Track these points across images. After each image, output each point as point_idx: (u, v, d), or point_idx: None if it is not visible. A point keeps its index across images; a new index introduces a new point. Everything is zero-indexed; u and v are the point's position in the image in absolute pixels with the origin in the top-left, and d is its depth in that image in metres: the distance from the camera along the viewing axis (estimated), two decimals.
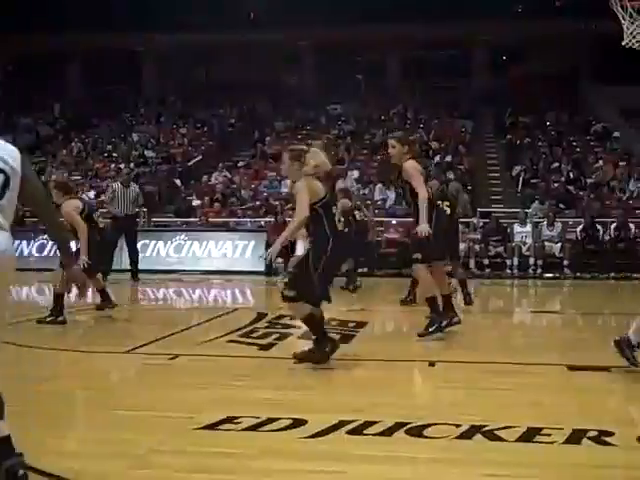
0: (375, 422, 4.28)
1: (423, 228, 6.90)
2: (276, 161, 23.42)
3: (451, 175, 18.91)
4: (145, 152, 24.35)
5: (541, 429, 4.14)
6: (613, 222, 16.78)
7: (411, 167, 7.10)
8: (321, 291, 5.87)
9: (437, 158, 21.75)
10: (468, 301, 10.24)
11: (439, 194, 9.84)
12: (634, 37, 10.78)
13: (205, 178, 22.23)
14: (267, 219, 18.27)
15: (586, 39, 28.38)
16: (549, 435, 4.05)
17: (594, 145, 23.92)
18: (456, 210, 10.26)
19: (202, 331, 8.03)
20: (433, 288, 7.30)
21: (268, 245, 16.59)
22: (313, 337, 6.01)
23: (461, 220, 16.00)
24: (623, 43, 10.85)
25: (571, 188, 19.94)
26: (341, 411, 4.54)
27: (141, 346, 6.95)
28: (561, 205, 18.94)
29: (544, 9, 28.46)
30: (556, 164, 21.74)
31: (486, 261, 16.29)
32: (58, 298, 8.41)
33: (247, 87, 29.21)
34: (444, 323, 7.25)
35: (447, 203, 9.87)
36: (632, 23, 10.81)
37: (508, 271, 16.28)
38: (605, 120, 25.20)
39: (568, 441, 3.98)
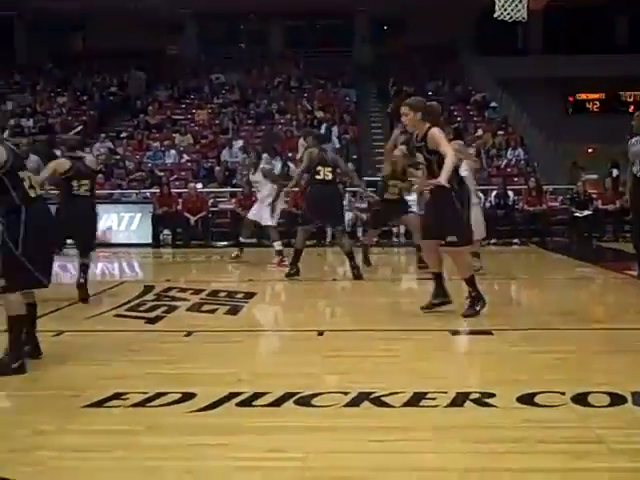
0: (265, 393, 4.28)
1: (443, 180, 6.31)
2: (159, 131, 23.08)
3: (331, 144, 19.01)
4: (21, 121, 23.39)
5: (426, 393, 4.24)
6: (493, 190, 17.32)
7: (437, 134, 6.67)
8: (27, 275, 4.88)
9: (323, 127, 21.85)
10: (357, 275, 9.78)
11: (320, 160, 9.81)
12: (505, 9, 10.99)
13: (87, 149, 21.62)
14: (153, 190, 17.97)
15: (464, 11, 28.95)
16: (434, 399, 4.15)
17: (474, 115, 24.56)
18: (337, 176, 10.12)
19: (88, 306, 7.83)
20: (471, 267, 7.05)
21: (154, 217, 16.40)
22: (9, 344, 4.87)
23: (348, 189, 16.22)
24: (495, 15, 11.04)
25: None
26: (231, 383, 4.53)
27: None
28: None
29: None
30: None
31: None
32: None
33: (128, 55, 28.41)
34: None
35: (329, 169, 9.77)
36: None
37: (395, 239, 16.63)
38: (484, 90, 25.88)
39: (452, 404, 4.09)
